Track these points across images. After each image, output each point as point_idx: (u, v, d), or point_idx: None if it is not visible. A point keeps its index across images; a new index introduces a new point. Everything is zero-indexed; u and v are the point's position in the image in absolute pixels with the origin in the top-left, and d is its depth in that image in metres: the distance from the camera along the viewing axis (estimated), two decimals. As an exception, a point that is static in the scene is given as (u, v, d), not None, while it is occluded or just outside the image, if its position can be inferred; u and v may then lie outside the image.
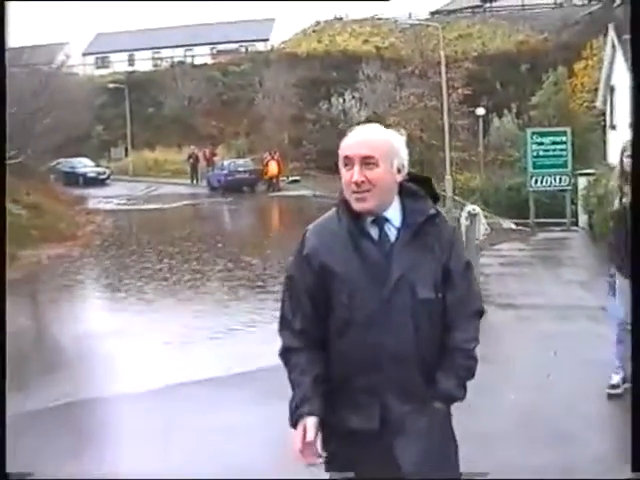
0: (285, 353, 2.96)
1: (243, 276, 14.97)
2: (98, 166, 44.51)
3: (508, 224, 21.64)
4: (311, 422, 2.80)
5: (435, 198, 2.97)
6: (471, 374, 2.94)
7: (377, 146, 2.79)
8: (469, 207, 11.83)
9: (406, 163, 2.88)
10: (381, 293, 2.79)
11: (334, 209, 2.94)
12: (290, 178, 40.02)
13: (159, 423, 6.58)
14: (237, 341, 9.80)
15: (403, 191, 2.89)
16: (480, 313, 3.00)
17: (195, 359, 8.99)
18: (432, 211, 2.89)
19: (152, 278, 15.19)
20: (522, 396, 6.52)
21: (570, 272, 13.13)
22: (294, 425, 2.84)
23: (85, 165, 43.39)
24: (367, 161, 2.77)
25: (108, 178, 43.43)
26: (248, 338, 9.87)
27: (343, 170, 2.82)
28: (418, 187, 2.93)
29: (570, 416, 6.04)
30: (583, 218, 19.37)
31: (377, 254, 2.82)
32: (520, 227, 21.19)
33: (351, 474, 2.82)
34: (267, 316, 11.00)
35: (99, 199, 33.52)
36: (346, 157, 2.80)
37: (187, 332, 10.25)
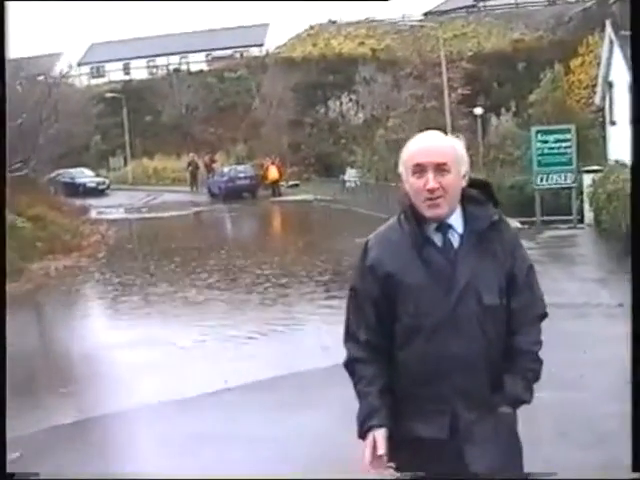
0: (350, 364, 2.95)
1: (250, 283, 14.89)
2: (98, 176, 44.45)
3: (514, 223, 21.60)
4: (380, 435, 2.80)
5: (495, 203, 2.97)
6: (537, 376, 2.97)
7: (448, 152, 2.82)
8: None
9: (469, 168, 2.89)
10: (447, 300, 2.79)
11: (395, 217, 2.94)
12: (289, 183, 39.98)
13: (174, 434, 6.57)
14: (247, 350, 9.71)
15: (465, 197, 2.89)
16: (543, 316, 3.01)
17: (206, 369, 8.94)
18: (495, 217, 2.89)
19: (159, 287, 15.16)
20: (554, 394, 6.50)
21: (584, 270, 13.14)
22: (362, 437, 2.85)
23: (85, 175, 43.32)
24: (441, 167, 2.78)
25: (108, 188, 43.32)
26: (256, 347, 9.82)
27: (412, 178, 2.81)
28: (479, 192, 2.93)
29: (604, 415, 6.03)
30: (589, 215, 19.37)
31: (442, 261, 2.82)
32: (526, 225, 21.17)
33: (422, 474, 2.78)
34: (275, 323, 10.95)
35: (101, 209, 33.41)
36: (418, 165, 2.80)
37: (196, 342, 10.19)
